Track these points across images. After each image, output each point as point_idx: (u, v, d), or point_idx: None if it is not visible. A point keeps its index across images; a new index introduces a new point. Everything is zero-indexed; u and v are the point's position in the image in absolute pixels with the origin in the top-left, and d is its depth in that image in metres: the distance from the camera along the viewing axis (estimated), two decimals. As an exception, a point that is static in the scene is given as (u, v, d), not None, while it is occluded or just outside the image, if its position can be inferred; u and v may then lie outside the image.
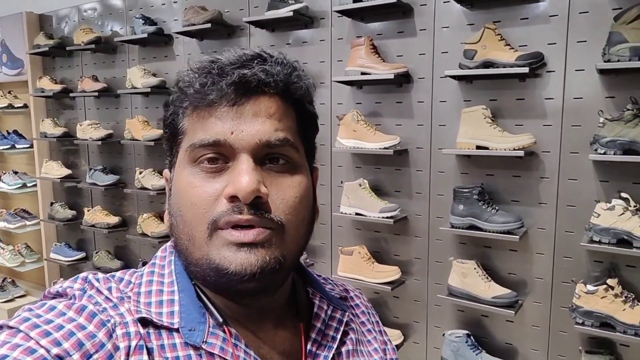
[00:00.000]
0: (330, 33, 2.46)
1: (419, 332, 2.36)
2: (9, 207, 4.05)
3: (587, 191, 1.92)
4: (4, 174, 3.90)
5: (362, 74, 2.23)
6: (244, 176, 0.49)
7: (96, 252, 3.43)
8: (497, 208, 2.01)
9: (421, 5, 2.19)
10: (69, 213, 3.57)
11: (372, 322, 0.71)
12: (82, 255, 3.62)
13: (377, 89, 2.35)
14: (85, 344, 0.45)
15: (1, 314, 3.65)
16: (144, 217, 3.11)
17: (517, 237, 1.94)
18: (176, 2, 2.99)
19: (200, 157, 0.52)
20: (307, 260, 2.57)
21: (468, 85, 2.12)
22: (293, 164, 0.54)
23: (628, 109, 1.75)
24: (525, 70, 1.88)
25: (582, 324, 1.84)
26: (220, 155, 0.52)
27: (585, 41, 1.86)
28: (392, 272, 2.27)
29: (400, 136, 2.22)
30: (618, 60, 1.72)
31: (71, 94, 3.42)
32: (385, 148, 2.19)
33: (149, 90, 2.95)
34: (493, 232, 1.98)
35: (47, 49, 3.46)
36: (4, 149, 3.81)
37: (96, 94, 3.24)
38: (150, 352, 0.49)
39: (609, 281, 1.80)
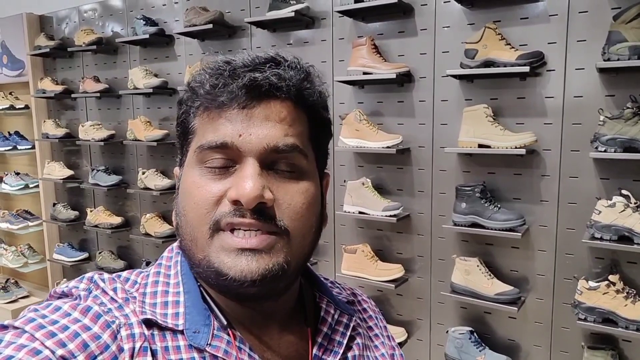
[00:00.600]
0: (331, 33, 2.47)
1: (422, 329, 2.38)
2: (12, 208, 4.06)
3: (588, 188, 1.94)
4: (6, 175, 3.91)
5: (364, 73, 2.25)
6: (247, 181, 0.49)
7: (99, 253, 3.45)
8: (499, 206, 2.03)
9: (422, 5, 2.21)
10: (72, 214, 3.58)
11: (380, 326, 0.70)
12: (85, 255, 3.64)
13: (379, 89, 2.36)
14: (90, 345, 0.45)
15: (5, 315, 3.66)
16: (148, 217, 3.12)
17: (519, 234, 1.96)
18: (177, 2, 3.00)
19: (208, 159, 0.51)
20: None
21: (469, 85, 2.14)
22: (301, 171, 0.53)
23: (628, 107, 1.77)
24: (526, 69, 1.89)
25: (585, 320, 1.86)
26: (227, 158, 0.51)
27: (585, 40, 1.88)
28: (395, 270, 2.29)
29: (402, 135, 2.24)
30: (618, 59, 1.74)
31: (73, 95, 3.43)
32: (387, 147, 2.21)
33: (150, 90, 2.96)
34: (495, 229, 2.00)
35: (48, 50, 3.46)
36: (5, 150, 3.81)
37: (98, 94, 3.25)
38: (154, 354, 0.48)
39: (611, 277, 1.82)
